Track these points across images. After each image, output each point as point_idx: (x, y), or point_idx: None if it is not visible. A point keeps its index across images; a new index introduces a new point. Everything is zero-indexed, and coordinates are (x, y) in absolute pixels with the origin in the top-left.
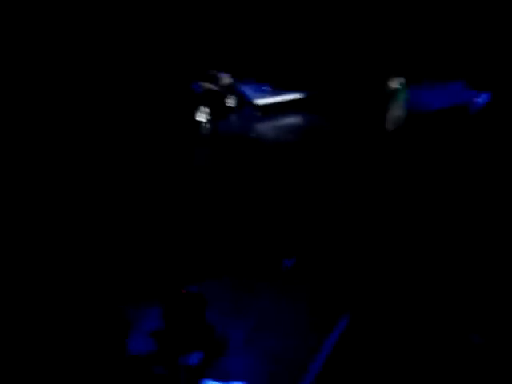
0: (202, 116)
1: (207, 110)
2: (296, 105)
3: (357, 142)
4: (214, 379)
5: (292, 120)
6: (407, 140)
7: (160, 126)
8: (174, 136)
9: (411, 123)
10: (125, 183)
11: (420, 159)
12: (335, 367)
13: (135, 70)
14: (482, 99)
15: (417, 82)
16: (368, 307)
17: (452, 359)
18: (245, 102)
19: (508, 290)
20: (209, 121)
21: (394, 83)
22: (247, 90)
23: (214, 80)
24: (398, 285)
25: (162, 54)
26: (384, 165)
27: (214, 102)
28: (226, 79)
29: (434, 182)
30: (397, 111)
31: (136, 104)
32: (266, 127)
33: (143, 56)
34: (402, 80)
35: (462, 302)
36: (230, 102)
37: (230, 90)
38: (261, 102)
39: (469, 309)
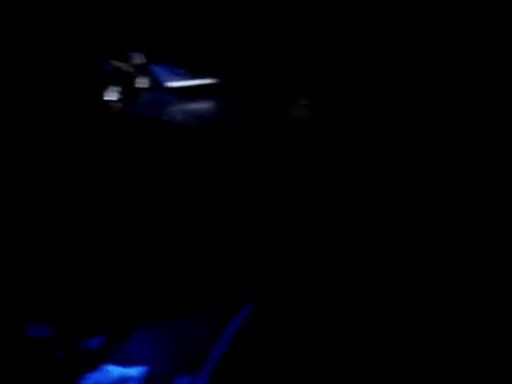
0: (111, 95)
1: (117, 89)
2: (209, 90)
3: (262, 131)
4: (115, 363)
5: (203, 105)
6: (315, 131)
7: (64, 103)
8: (80, 114)
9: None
10: (24, 168)
11: (329, 152)
12: (237, 351)
13: (37, 44)
14: None
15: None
16: (272, 295)
17: (357, 344)
18: (156, 84)
19: (407, 287)
20: (119, 100)
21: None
22: (159, 72)
23: (126, 59)
24: (302, 273)
25: (70, 29)
26: (287, 153)
27: (125, 81)
28: (138, 59)
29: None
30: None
31: (37, 79)
32: (175, 111)
33: (47, 29)
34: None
35: (368, 294)
36: (141, 82)
37: (141, 70)
38: (173, 84)
39: (374, 301)
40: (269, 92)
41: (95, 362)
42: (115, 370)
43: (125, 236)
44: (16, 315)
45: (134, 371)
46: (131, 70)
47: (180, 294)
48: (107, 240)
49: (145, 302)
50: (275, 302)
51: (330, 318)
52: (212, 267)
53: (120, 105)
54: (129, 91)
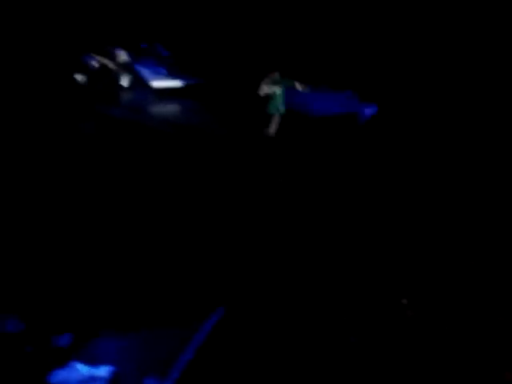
0: (93, 93)
1: (100, 86)
2: (192, 91)
3: (235, 140)
4: (83, 361)
5: (183, 109)
6: (291, 143)
7: (45, 100)
8: (60, 112)
9: (297, 127)
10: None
11: (303, 163)
12: (205, 358)
13: (18, 37)
14: (369, 110)
15: (305, 87)
16: (242, 302)
17: (328, 355)
18: (140, 83)
19: (378, 298)
20: (101, 98)
21: (270, 84)
22: (144, 71)
23: (111, 56)
24: (274, 282)
25: (51, 22)
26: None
27: (108, 79)
28: (122, 56)
29: (315, 186)
30: (273, 111)
31: (17, 74)
32: (158, 110)
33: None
34: (278, 80)
35: (341, 306)
36: (125, 80)
37: (125, 67)
38: (156, 84)
39: (347, 314)
40: (248, 97)
41: (64, 359)
42: (84, 369)
43: (104, 241)
44: None
45: (102, 371)
46: (115, 67)
47: (152, 298)
48: (88, 243)
49: (117, 305)
50: (243, 309)
51: (302, 328)
52: (182, 275)
53: (102, 103)
54: (112, 89)
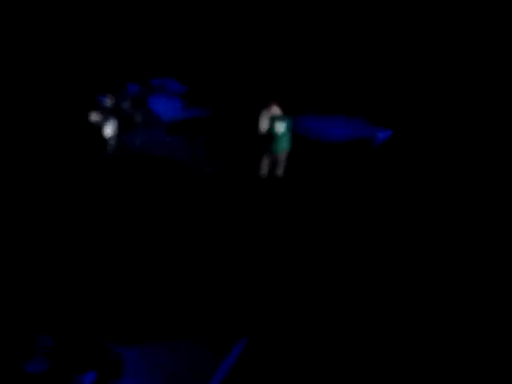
0: (108, 130)
1: (115, 123)
2: (204, 123)
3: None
4: None
5: (198, 139)
6: (308, 168)
7: (60, 138)
8: (76, 149)
9: (313, 152)
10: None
11: (323, 187)
12: None
13: (36, 75)
14: (383, 135)
15: (317, 113)
16: (266, 331)
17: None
18: (154, 119)
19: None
20: (116, 135)
21: (272, 121)
22: (156, 106)
23: (124, 94)
24: (302, 310)
25: (67, 61)
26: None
27: (122, 116)
28: (136, 93)
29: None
30: (279, 151)
31: (34, 113)
32: (172, 145)
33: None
34: (280, 117)
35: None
36: (139, 117)
37: (139, 104)
38: (169, 119)
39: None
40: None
41: None
42: None
43: (126, 262)
44: (14, 350)
45: None
46: (129, 104)
47: (175, 324)
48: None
49: (139, 331)
50: (269, 338)
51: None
52: (205, 301)
53: (117, 140)
54: (126, 126)
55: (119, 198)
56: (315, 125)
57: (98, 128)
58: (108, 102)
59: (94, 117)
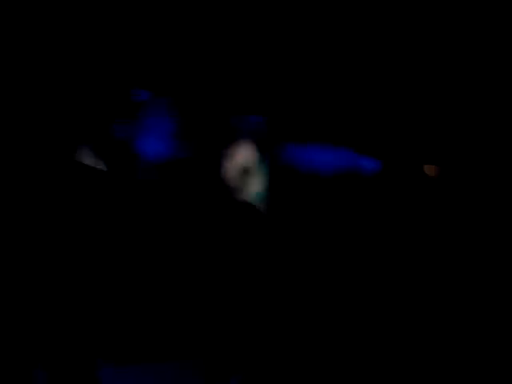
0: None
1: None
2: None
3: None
4: None
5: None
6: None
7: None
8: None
9: (293, 184)
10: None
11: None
12: None
13: None
14: (371, 164)
15: (299, 142)
16: (259, 368)
17: None
18: (140, 163)
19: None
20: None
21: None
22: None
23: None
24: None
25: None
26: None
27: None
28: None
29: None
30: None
31: None
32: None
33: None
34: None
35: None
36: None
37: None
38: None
39: None
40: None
41: None
42: None
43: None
44: None
45: None
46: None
47: (163, 344)
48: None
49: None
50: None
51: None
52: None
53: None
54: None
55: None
56: (297, 153)
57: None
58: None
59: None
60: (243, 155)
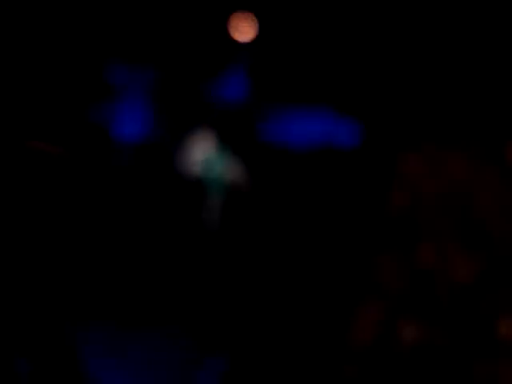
0: None
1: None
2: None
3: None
4: None
5: None
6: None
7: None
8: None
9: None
10: None
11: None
12: None
13: None
14: (347, 132)
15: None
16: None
17: None
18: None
19: None
20: None
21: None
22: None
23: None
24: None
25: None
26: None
27: None
28: None
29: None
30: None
31: None
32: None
33: None
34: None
35: None
36: None
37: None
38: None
39: None
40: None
41: None
42: None
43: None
44: None
45: None
46: None
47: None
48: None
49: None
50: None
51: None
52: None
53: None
54: None
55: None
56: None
57: None
58: None
59: None
60: (205, 143)
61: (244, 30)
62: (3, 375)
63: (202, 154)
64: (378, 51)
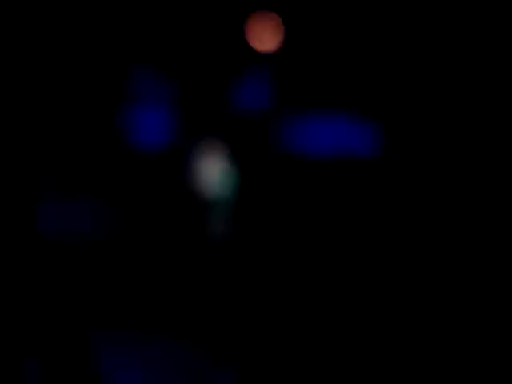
0: None
1: None
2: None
3: None
4: None
5: None
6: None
7: None
8: None
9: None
10: None
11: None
12: None
13: None
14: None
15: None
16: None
17: None
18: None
19: None
20: None
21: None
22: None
23: None
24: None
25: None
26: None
27: None
28: None
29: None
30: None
31: None
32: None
33: None
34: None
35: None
36: None
37: None
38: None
39: None
40: None
41: None
42: None
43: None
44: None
45: None
46: None
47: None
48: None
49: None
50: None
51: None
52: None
53: None
54: None
55: None
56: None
57: None
58: None
59: None
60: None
61: (266, 39)
62: (11, 375)
63: (216, 169)
64: (402, 57)
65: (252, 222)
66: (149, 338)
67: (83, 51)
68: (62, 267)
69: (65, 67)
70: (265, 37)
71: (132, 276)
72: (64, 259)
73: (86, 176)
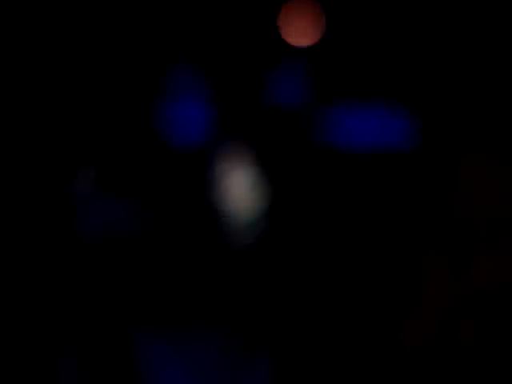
0: None
1: None
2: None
3: None
4: None
5: None
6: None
7: None
8: None
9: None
10: None
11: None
12: None
13: None
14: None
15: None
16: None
17: None
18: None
19: None
20: None
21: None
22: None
23: None
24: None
25: None
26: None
27: None
28: None
29: None
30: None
31: None
32: None
33: None
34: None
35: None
36: None
37: None
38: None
39: None
40: None
41: None
42: None
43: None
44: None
45: None
46: None
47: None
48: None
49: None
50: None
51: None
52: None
53: None
54: None
55: None
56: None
57: None
58: None
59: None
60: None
61: (303, 33)
62: (51, 374)
63: (247, 180)
64: (442, 45)
65: (291, 224)
66: (185, 332)
67: (121, 47)
68: (100, 266)
69: (104, 64)
70: (301, 30)
71: (161, 275)
72: (102, 258)
73: (123, 174)
